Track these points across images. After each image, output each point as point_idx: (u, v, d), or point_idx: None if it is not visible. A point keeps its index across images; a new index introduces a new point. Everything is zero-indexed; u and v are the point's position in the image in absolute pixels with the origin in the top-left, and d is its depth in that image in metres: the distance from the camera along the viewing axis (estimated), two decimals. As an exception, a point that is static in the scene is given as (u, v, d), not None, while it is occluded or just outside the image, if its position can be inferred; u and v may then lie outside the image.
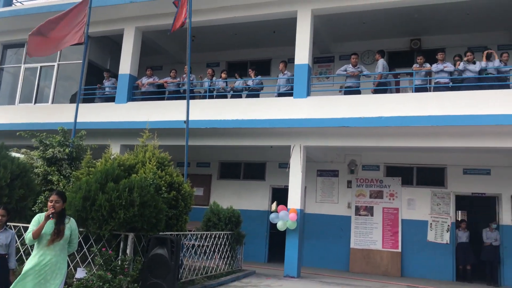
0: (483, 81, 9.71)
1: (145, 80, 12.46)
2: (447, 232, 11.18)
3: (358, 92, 10.63)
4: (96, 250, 6.10)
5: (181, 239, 7.26)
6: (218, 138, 10.99)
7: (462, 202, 12.09)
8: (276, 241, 12.69)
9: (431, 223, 11.39)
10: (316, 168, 12.61)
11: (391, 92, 11.13)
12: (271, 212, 10.37)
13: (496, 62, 9.87)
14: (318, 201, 12.52)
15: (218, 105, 11.09)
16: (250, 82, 11.61)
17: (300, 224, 10.08)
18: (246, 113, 10.49)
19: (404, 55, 12.59)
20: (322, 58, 13.49)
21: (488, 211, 11.88)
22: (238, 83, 11.79)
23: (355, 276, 10.57)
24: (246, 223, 10.80)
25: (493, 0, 9.97)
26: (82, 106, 12.58)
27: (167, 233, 6.79)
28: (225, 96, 11.74)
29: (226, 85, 11.82)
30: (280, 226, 9.81)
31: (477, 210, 13.59)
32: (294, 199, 10.12)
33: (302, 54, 10.53)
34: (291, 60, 11.17)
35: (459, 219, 12.23)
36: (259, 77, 11.69)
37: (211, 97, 11.86)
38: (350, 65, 10.76)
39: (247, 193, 13.04)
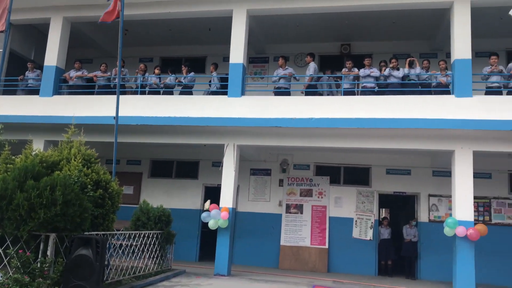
0: (405, 87, 10.35)
1: (73, 73, 11.90)
2: (371, 229, 11.77)
3: (288, 93, 10.89)
4: (13, 252, 5.74)
5: (108, 239, 7.03)
6: (150, 135, 10.76)
7: (385, 200, 12.76)
8: (208, 240, 12.65)
9: (356, 220, 11.94)
10: (250, 167, 12.74)
11: (332, 94, 11.54)
12: (204, 211, 10.34)
13: (418, 69, 10.56)
14: (251, 199, 12.65)
15: (151, 102, 10.87)
16: (183, 79, 11.48)
17: (232, 222, 10.14)
18: (180, 110, 10.36)
19: (335, 59, 13.08)
20: (257, 58, 13.66)
21: (408, 209, 12.66)
22: (171, 79, 11.60)
23: (284, 273, 10.82)
24: (177, 222, 10.67)
25: (416, 11, 10.60)
26: (2, 98, 11.82)
27: (92, 233, 6.53)
28: (157, 92, 11.51)
29: (159, 81, 11.60)
30: (212, 225, 9.81)
31: (398, 208, 14.43)
32: (226, 198, 10.16)
33: (237, 53, 10.59)
34: (226, 58, 11.20)
35: (382, 217, 12.90)
36: (191, 73, 11.61)
37: (143, 93, 11.58)
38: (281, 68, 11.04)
39: (179, 191, 12.88)
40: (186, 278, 9.03)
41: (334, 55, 13.13)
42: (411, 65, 10.65)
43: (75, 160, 6.98)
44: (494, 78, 9.91)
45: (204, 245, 12.86)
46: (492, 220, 11.37)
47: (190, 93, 11.49)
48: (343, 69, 10.91)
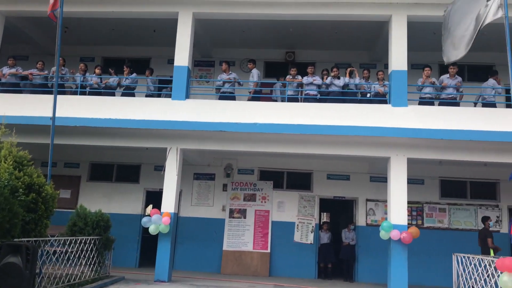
0: (346, 95, 10.72)
1: (6, 70, 11.27)
2: (312, 233, 12.04)
3: (234, 98, 10.95)
4: None
5: (40, 246, 6.68)
6: (89, 137, 10.36)
7: (325, 204, 13.08)
8: (149, 245, 12.38)
9: (297, 225, 12.16)
10: (193, 171, 12.62)
11: (279, 100, 11.66)
12: (145, 216, 10.10)
13: (357, 79, 10.98)
14: (194, 204, 12.53)
15: (91, 102, 10.51)
16: (124, 80, 11.19)
17: (173, 228, 9.99)
18: (121, 112, 10.09)
19: (280, 66, 13.29)
20: (203, 62, 13.61)
21: (348, 213, 13.08)
22: (113, 80, 11.27)
23: (225, 278, 10.80)
24: (117, 227, 10.36)
25: (357, 23, 10.99)
26: None
27: (22, 239, 6.19)
28: (98, 93, 11.14)
29: (101, 81, 11.23)
30: (152, 230, 9.61)
31: (338, 212, 14.85)
32: (168, 203, 10.00)
33: (182, 56, 10.50)
34: (171, 61, 11.06)
35: (322, 221, 13.22)
36: (134, 75, 11.35)
37: (83, 93, 11.16)
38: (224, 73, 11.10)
39: (119, 196, 12.51)
40: (124, 285, 8.78)
41: (279, 62, 13.35)
42: (351, 74, 11.06)
43: (5, 162, 6.59)
44: (427, 90, 10.50)
45: (144, 251, 12.56)
46: (424, 223, 12.01)
47: (133, 95, 11.22)
48: (287, 76, 11.12)
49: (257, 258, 11.91)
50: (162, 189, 10.23)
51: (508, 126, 8.90)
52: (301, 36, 12.38)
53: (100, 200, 12.10)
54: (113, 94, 11.21)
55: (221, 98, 10.85)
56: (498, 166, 11.19)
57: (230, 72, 11.12)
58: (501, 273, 6.86)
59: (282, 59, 13.33)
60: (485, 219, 11.00)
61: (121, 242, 11.18)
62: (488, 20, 7.99)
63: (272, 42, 12.95)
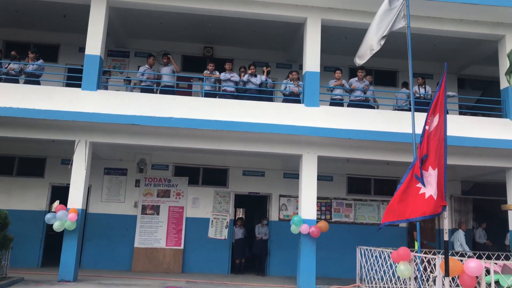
0: (262, 93, 10.93)
1: None
2: (226, 228, 12.13)
3: (152, 91, 10.69)
4: None
5: None
6: (-14, 127, 9.50)
7: (240, 200, 13.24)
8: (54, 244, 11.67)
9: (212, 220, 12.18)
10: (104, 166, 12.08)
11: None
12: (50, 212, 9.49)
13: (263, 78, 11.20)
14: (104, 200, 12.00)
15: (-12, 90, 9.61)
16: (28, 67, 10.39)
17: (80, 224, 9.50)
18: (24, 101, 9.36)
19: (198, 60, 13.19)
20: (117, 52, 13.07)
21: (262, 208, 13.36)
22: (17, 66, 10.41)
23: (136, 276, 10.50)
24: (17, 225, 9.72)
25: (274, 23, 11.22)
26: None
27: None
28: (-1, 80, 10.24)
29: (0, 66, 10.32)
30: (57, 227, 9.05)
31: (253, 208, 15.13)
32: (76, 198, 9.48)
33: (94, 44, 10.00)
34: (82, 49, 10.50)
35: (237, 217, 13.37)
36: (40, 61, 10.58)
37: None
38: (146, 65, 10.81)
39: (21, 191, 11.59)
40: (24, 286, 8.18)
41: (198, 56, 13.24)
42: (268, 74, 11.30)
43: None
44: (337, 91, 11.05)
45: (49, 250, 11.80)
46: (332, 218, 12.65)
47: (38, 83, 10.45)
48: (205, 71, 11.06)
49: (170, 254, 11.74)
50: (70, 184, 9.67)
51: (408, 128, 9.64)
52: (220, 32, 12.39)
53: (-2, 196, 11.14)
54: (16, 81, 10.35)
55: (142, 91, 10.52)
56: (399, 165, 12.11)
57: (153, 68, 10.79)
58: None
59: (201, 53, 13.24)
60: None
61: (22, 241, 10.46)
62: (391, 29, 8.61)
63: (190, 36, 12.81)
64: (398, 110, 11.36)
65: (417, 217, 6.21)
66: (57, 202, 9.45)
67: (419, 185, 6.17)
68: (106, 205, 11.94)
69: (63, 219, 9.04)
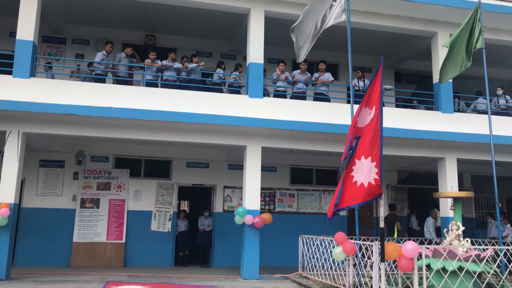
0: (207, 84, 10.84)
1: None
2: (169, 221, 11.97)
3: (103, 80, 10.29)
4: None
5: None
6: None
7: (184, 192, 13.11)
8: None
9: (155, 213, 11.97)
10: (39, 157, 11.50)
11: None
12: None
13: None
14: (40, 193, 11.44)
15: None
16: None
17: (13, 220, 8.98)
18: None
19: (140, 49, 12.76)
20: (53, 38, 12.41)
21: (206, 200, 13.31)
22: None
23: (75, 271, 10.12)
24: None
25: (217, 12, 11.07)
26: None
27: None
28: None
29: None
30: (-14, 223, 8.51)
31: (197, 200, 15.02)
32: (7, 192, 8.91)
33: (26, 29, 9.41)
34: (13, 33, 9.84)
35: (180, 209, 13.23)
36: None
37: None
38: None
39: None
40: (-51, 288, 7.64)
41: (139, 45, 12.83)
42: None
43: None
44: (280, 83, 11.17)
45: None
46: (276, 208, 12.85)
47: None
48: (146, 60, 10.76)
49: (110, 249, 11.42)
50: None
51: (347, 119, 9.94)
52: (162, 20, 12.10)
53: None
54: None
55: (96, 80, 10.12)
56: (339, 156, 12.42)
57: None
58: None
59: (142, 42, 12.87)
60: (392, 207, 12.68)
61: None
62: (331, 23, 8.81)
63: (131, 24, 12.41)
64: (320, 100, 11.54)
65: (351, 204, 6.44)
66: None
67: (353, 173, 6.39)
68: (42, 199, 11.39)
69: (-7, 214, 8.50)
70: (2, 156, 9.09)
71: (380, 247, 6.05)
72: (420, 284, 6.34)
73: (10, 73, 9.34)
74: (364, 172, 6.22)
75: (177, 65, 10.71)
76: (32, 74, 9.48)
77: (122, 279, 9.12)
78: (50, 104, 8.97)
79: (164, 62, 10.64)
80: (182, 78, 10.76)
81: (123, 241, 11.54)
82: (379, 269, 6.30)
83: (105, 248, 11.38)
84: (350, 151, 6.68)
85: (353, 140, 6.64)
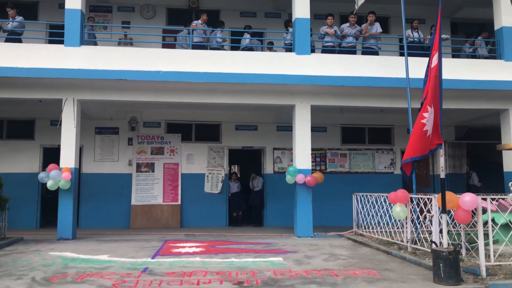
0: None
1: None
2: (221, 183, 12.15)
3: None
4: None
5: None
6: (-32, 89, 9.21)
7: (234, 155, 13.18)
8: (51, 206, 11.64)
9: (207, 176, 12.18)
10: (94, 125, 11.92)
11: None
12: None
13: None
14: (97, 160, 11.92)
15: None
16: (10, 24, 9.99)
17: (75, 184, 9.42)
18: (6, 59, 9.03)
19: (184, 13, 12.73)
20: (99, 7, 12.58)
21: (256, 162, 13.36)
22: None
23: (135, 232, 10.57)
24: (11, 187, 9.58)
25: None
26: None
27: None
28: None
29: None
30: (51, 185, 8.98)
31: (247, 162, 15.10)
32: (68, 158, 9.35)
33: (74, -2, 9.58)
34: (62, 5, 10.06)
35: (232, 171, 13.38)
36: (20, 18, 10.14)
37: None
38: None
39: (13, 154, 11.46)
40: (23, 246, 8.19)
41: (183, 9, 12.76)
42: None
43: None
44: (329, 38, 10.77)
45: (46, 213, 11.81)
46: (327, 169, 12.68)
47: (19, 41, 10.09)
48: (194, 22, 10.64)
49: (167, 210, 11.80)
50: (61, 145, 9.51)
51: (401, 72, 9.47)
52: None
53: (-11, 159, 10.99)
54: (-3, 40, 9.98)
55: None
56: (392, 112, 12.05)
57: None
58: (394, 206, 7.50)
59: (186, 6, 12.77)
60: None
61: (18, 203, 10.42)
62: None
63: (175, -12, 12.33)
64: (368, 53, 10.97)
65: (420, 155, 6.15)
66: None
67: (424, 121, 6.04)
68: (100, 164, 11.87)
69: (56, 178, 8.95)
70: (60, 124, 9.46)
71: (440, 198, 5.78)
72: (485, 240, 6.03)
73: (62, 42, 9.59)
74: (430, 121, 5.89)
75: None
76: (82, 42, 9.69)
77: (179, 238, 9.41)
78: (101, 70, 9.16)
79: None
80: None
81: (179, 203, 11.87)
82: (440, 222, 6.06)
83: (162, 210, 11.77)
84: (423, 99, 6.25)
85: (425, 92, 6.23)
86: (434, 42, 6.26)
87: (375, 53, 10.86)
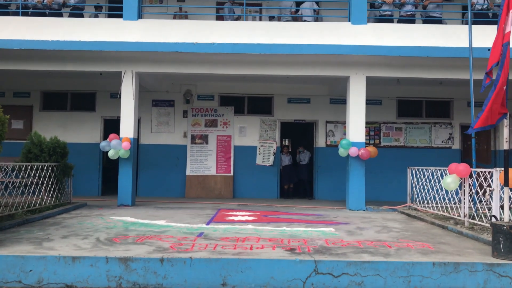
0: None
1: None
2: (273, 155, 12.24)
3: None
4: None
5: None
6: (37, 62, 9.74)
7: (286, 128, 13.20)
8: (111, 175, 12.31)
9: (259, 148, 12.31)
10: (151, 98, 12.32)
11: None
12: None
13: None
14: (154, 131, 12.36)
15: (35, 24, 9.73)
16: (73, 0, 10.42)
17: (134, 153, 9.85)
18: (69, 34, 9.47)
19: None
20: (156, -18, 12.81)
21: (308, 135, 13.31)
22: (57, -1, 10.46)
23: (190, 201, 10.96)
24: (75, 157, 10.15)
25: None
26: None
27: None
28: (43, 14, 10.32)
29: (44, 1, 10.39)
30: (112, 154, 9.45)
31: (299, 135, 15.07)
32: (127, 128, 9.77)
33: (132, -28, 9.79)
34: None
35: (283, 145, 13.42)
36: (81, -7, 10.57)
37: (25, 14, 10.33)
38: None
39: (76, 125, 12.14)
40: (87, 210, 8.74)
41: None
42: None
43: None
44: (386, 7, 10.37)
45: (106, 181, 12.49)
46: (381, 143, 12.42)
47: (81, 16, 10.52)
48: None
49: (220, 181, 12.09)
50: (120, 116, 9.93)
51: (463, 42, 8.99)
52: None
53: (55, 130, 11.64)
54: (59, 15, 10.44)
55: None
56: (451, 85, 11.53)
57: None
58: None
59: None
60: None
61: (82, 172, 11.00)
62: None
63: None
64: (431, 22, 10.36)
65: (490, 124, 5.86)
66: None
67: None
68: (156, 136, 12.30)
69: (116, 147, 9.40)
70: (120, 96, 9.86)
71: (502, 172, 5.53)
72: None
73: (120, 16, 9.89)
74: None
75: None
76: (140, 15, 9.94)
77: (232, 207, 9.66)
78: (158, 43, 9.37)
79: None
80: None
81: (231, 174, 12.13)
82: (501, 196, 5.81)
83: (215, 180, 12.08)
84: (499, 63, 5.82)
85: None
86: (504, 5, 5.78)
87: (437, 21, 10.33)
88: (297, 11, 10.74)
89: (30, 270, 4.57)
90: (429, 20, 10.24)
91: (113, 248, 5.10)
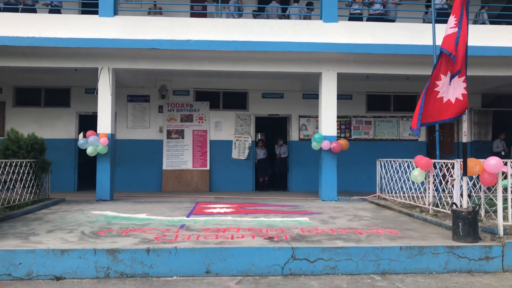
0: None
1: None
2: (248, 149, 12.56)
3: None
4: None
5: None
6: (12, 58, 9.66)
7: (261, 122, 13.51)
8: (86, 171, 12.35)
9: (235, 142, 12.60)
10: (127, 93, 12.40)
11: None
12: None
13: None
14: (130, 126, 12.46)
15: (9, 20, 9.70)
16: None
17: (112, 148, 9.97)
18: (45, 30, 9.46)
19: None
20: (130, -22, 12.83)
21: (282, 129, 13.68)
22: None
23: (168, 195, 11.16)
24: (51, 152, 10.08)
25: None
26: None
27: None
28: (16, 10, 10.27)
29: (17, -3, 10.34)
30: (90, 151, 9.53)
31: (273, 129, 15.43)
32: (104, 124, 9.86)
33: (107, -32, 9.84)
34: (95, -25, 10.35)
35: (258, 139, 13.74)
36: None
37: (-2, 10, 10.26)
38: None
39: (51, 121, 12.11)
40: (67, 205, 8.83)
41: (211, -23, 12.92)
42: None
43: None
44: (356, 6, 10.79)
45: (82, 177, 12.51)
46: (352, 136, 12.92)
47: (58, 12, 10.49)
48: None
49: (197, 175, 12.33)
50: (95, 112, 10.03)
51: (428, 40, 9.49)
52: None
53: (30, 126, 11.65)
54: (34, 11, 10.39)
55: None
56: (418, 80, 12.08)
57: None
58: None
59: (214, -26, 12.91)
60: None
61: (58, 167, 10.94)
62: None
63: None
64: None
65: (438, 120, 6.31)
66: (82, 133, 9.75)
67: (438, 88, 6.20)
68: (132, 131, 12.41)
69: (95, 143, 9.49)
70: (97, 93, 9.93)
71: (461, 163, 6.01)
72: (504, 204, 6.27)
73: (96, 13, 9.94)
74: (454, 87, 6.00)
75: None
76: (116, 12, 10.01)
77: (210, 200, 9.93)
78: (134, 40, 9.49)
79: None
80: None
81: (208, 168, 12.39)
82: (461, 185, 6.30)
83: (191, 174, 12.31)
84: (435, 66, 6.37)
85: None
86: (454, 6, 6.21)
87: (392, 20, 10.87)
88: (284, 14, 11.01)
89: (20, 263, 4.73)
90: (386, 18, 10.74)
91: (100, 240, 5.31)
